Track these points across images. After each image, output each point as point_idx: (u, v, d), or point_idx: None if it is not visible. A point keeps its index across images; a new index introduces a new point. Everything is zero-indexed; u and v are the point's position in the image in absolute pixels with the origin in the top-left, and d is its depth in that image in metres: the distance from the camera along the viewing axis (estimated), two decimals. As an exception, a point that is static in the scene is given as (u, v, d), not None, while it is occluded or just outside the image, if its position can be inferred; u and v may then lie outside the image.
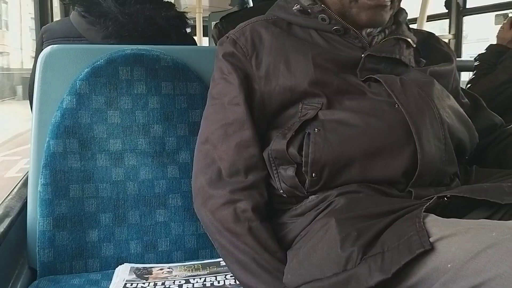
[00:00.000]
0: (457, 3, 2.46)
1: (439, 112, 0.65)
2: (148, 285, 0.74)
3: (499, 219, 0.54)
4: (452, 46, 2.38)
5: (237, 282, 0.68)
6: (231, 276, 0.75)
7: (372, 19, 0.68)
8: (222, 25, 1.67)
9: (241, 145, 0.68)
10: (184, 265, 0.83)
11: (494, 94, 1.43)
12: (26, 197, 0.86)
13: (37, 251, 0.81)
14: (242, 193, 0.66)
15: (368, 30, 0.71)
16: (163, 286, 0.74)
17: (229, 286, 0.73)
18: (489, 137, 0.81)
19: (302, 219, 0.65)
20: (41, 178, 0.82)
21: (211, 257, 0.86)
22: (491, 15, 2.18)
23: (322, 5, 0.70)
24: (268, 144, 0.68)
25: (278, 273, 0.62)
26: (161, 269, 0.81)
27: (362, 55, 0.69)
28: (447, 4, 2.52)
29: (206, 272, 0.79)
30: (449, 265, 0.45)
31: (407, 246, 0.48)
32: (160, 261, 0.86)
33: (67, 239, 0.82)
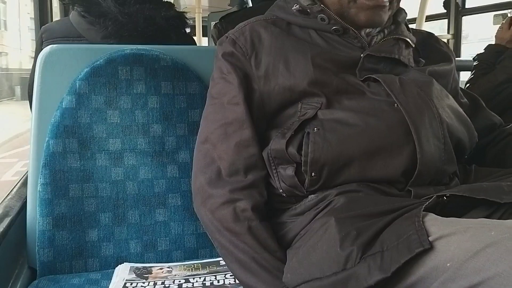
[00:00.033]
0: (456, 3, 2.46)
1: (438, 111, 0.65)
2: (148, 285, 0.74)
3: (498, 218, 0.54)
4: (451, 46, 2.38)
5: (237, 281, 0.68)
6: (230, 276, 0.75)
7: (371, 19, 0.69)
8: (222, 25, 1.67)
9: (241, 145, 0.68)
10: (184, 265, 0.83)
11: (492, 94, 1.44)
12: (26, 196, 0.86)
13: (36, 250, 0.81)
14: (242, 193, 0.66)
15: (367, 30, 0.71)
16: (163, 285, 0.74)
17: (228, 285, 0.73)
18: (488, 136, 0.81)
19: (302, 218, 0.65)
20: (40, 178, 0.82)
21: (211, 257, 0.86)
22: (492, 15, 2.18)
23: (322, 5, 0.71)
24: (267, 143, 0.68)
25: (277, 272, 0.62)
26: (160, 269, 0.81)
27: (361, 55, 0.69)
28: (446, 4, 2.52)
29: (205, 272, 0.79)
30: (448, 264, 0.45)
31: (407, 245, 0.48)
32: (159, 261, 0.86)
33: (66, 239, 0.82)
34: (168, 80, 0.89)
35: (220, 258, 0.80)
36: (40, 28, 1.21)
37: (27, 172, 0.88)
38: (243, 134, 0.68)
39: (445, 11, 2.54)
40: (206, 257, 0.87)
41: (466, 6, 2.49)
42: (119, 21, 0.99)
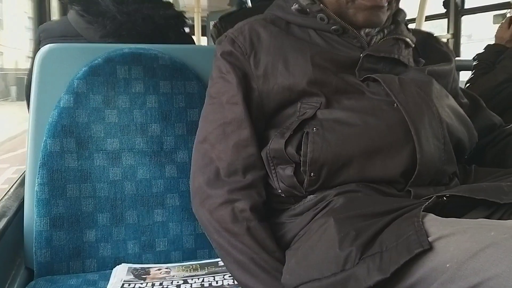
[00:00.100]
0: (456, 3, 2.46)
1: (438, 111, 0.65)
2: (146, 286, 0.74)
3: (498, 219, 0.54)
4: (450, 45, 2.38)
5: (235, 282, 0.68)
6: (229, 276, 0.75)
7: (369, 19, 0.68)
8: (221, 25, 1.67)
9: (239, 145, 0.67)
10: (182, 265, 0.83)
11: (492, 94, 1.43)
12: (23, 196, 0.85)
13: (34, 251, 0.81)
14: (240, 193, 0.65)
15: (367, 30, 0.71)
16: (161, 286, 0.74)
17: (227, 286, 0.73)
18: (488, 137, 0.81)
19: (301, 218, 0.64)
20: (38, 178, 0.81)
21: (209, 257, 0.86)
22: (492, 15, 2.18)
23: (321, 5, 0.70)
24: (266, 143, 0.68)
25: (276, 273, 0.61)
26: (159, 269, 0.81)
27: (361, 55, 0.69)
28: (445, 4, 2.52)
29: (204, 272, 0.79)
30: (447, 265, 0.45)
31: (406, 246, 0.48)
32: (158, 261, 0.86)
33: (64, 239, 0.82)
34: (166, 80, 0.89)
35: (219, 259, 0.79)
36: (38, 27, 1.20)
37: (24, 172, 0.87)
38: (241, 134, 0.68)
39: (445, 10, 2.54)
40: (204, 258, 0.86)
41: (466, 6, 2.49)
42: (118, 20, 0.98)
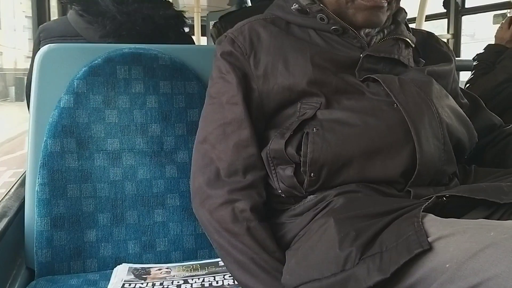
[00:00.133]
0: (456, 3, 2.46)
1: (438, 111, 0.65)
2: (147, 285, 0.74)
3: (498, 219, 0.54)
4: (450, 45, 2.38)
5: (236, 282, 0.68)
6: (229, 276, 0.75)
7: (369, 20, 0.68)
8: (221, 25, 1.67)
9: (240, 145, 0.68)
10: (183, 265, 0.83)
11: (492, 94, 1.43)
12: (24, 197, 0.85)
13: (35, 251, 0.81)
14: (241, 193, 0.65)
15: (367, 30, 0.71)
16: (162, 286, 0.74)
17: (227, 286, 0.73)
18: (488, 137, 0.81)
19: (301, 219, 0.65)
20: (38, 178, 0.81)
21: (210, 257, 0.86)
22: (492, 15, 2.18)
23: (321, 5, 0.70)
24: (266, 143, 0.68)
25: (276, 273, 0.61)
26: (159, 269, 0.81)
27: (361, 55, 0.69)
28: (445, 4, 2.52)
29: (204, 272, 0.79)
30: (447, 265, 0.45)
31: (406, 246, 0.48)
32: (158, 261, 0.86)
33: (65, 239, 0.82)
34: (166, 80, 0.89)
35: (219, 259, 0.79)
36: (38, 27, 1.20)
37: (25, 172, 0.87)
38: (242, 134, 0.68)
39: (445, 10, 2.54)
40: (205, 258, 0.86)
41: (466, 6, 2.48)
42: (118, 20, 0.99)
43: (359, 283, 0.49)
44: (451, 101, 0.71)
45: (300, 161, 0.63)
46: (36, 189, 0.82)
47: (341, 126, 0.64)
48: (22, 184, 0.92)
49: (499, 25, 1.63)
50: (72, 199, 0.83)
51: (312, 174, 0.63)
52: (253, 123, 0.69)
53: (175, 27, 1.07)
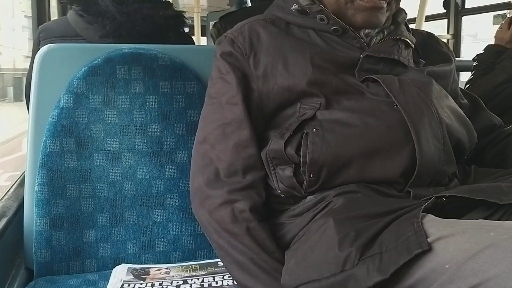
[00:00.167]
0: (456, 3, 2.46)
1: (437, 112, 0.65)
2: (146, 286, 0.74)
3: (498, 219, 0.54)
4: (450, 46, 2.38)
5: (235, 283, 0.68)
6: (229, 277, 0.75)
7: (368, 20, 0.68)
8: (221, 25, 1.67)
9: (239, 145, 0.67)
10: (182, 266, 0.83)
11: (492, 94, 1.43)
12: (23, 197, 0.85)
13: (34, 251, 0.81)
14: (240, 193, 0.65)
15: (367, 30, 0.71)
16: (161, 286, 0.74)
17: (227, 286, 0.73)
18: (487, 137, 0.81)
19: (300, 219, 0.64)
20: (37, 178, 0.81)
21: (209, 258, 0.86)
22: (492, 15, 2.18)
23: (321, 5, 0.70)
24: (266, 144, 0.68)
25: (276, 274, 0.61)
26: (158, 270, 0.81)
27: (361, 56, 0.69)
28: (445, 4, 2.52)
29: (204, 273, 0.79)
30: (447, 266, 0.45)
31: (405, 247, 0.48)
32: (157, 262, 0.86)
33: (64, 239, 0.82)
34: (166, 80, 0.89)
35: (218, 259, 0.79)
36: (38, 27, 1.20)
37: (24, 172, 0.87)
38: (241, 135, 0.68)
39: (445, 11, 2.54)
40: (204, 258, 0.86)
41: (466, 6, 2.49)
42: (118, 20, 0.98)
43: (359, 284, 0.49)
44: (451, 102, 0.71)
45: (300, 161, 0.63)
46: (35, 189, 0.81)
47: (341, 126, 0.64)
48: (21, 184, 0.92)
49: (499, 25, 1.63)
50: (71, 199, 0.82)
51: (311, 175, 0.63)
52: (252, 123, 0.69)
53: (175, 27, 1.07)
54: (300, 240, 0.63)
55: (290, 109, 0.69)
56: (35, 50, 1.08)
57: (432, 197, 0.55)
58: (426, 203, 0.54)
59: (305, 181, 0.63)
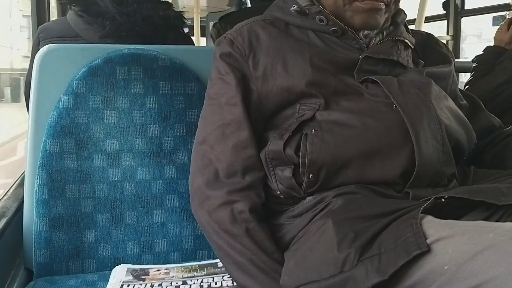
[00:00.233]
0: (455, 4, 2.46)
1: (436, 112, 0.65)
2: (145, 286, 0.74)
3: (497, 220, 0.54)
4: (450, 47, 2.38)
5: (234, 283, 0.68)
6: (228, 277, 0.75)
7: (366, 22, 0.68)
8: (221, 25, 1.67)
9: (239, 146, 0.68)
10: (181, 266, 0.83)
11: (492, 96, 1.43)
12: (23, 197, 0.85)
13: (33, 251, 0.81)
14: (239, 194, 0.65)
15: (366, 31, 0.71)
16: (160, 287, 0.74)
17: (226, 287, 0.73)
18: (487, 138, 0.81)
19: (299, 220, 0.64)
20: (37, 178, 0.81)
21: (209, 258, 0.86)
22: (492, 16, 2.19)
23: (320, 6, 0.70)
24: (265, 144, 0.68)
25: (275, 274, 0.61)
26: (158, 270, 0.81)
27: (360, 57, 0.69)
28: (445, 5, 2.53)
29: (203, 273, 0.79)
30: (446, 267, 0.45)
31: (404, 248, 0.48)
32: (157, 262, 0.86)
33: (63, 240, 0.82)
34: (166, 80, 0.89)
35: (218, 260, 0.79)
36: (38, 27, 1.20)
37: (23, 172, 0.87)
38: (241, 135, 0.68)
39: (444, 12, 2.54)
40: (203, 259, 0.86)
41: (466, 7, 2.49)
42: (117, 21, 0.99)
43: (358, 285, 0.49)
44: (450, 103, 0.71)
45: (299, 162, 0.63)
46: (35, 189, 0.81)
47: (340, 127, 0.64)
48: (21, 184, 0.92)
49: (498, 26, 1.63)
50: (71, 199, 0.82)
51: (310, 175, 0.63)
52: (252, 124, 0.69)
53: (174, 28, 1.07)
54: (299, 241, 0.63)
55: (289, 110, 0.69)
56: (34, 50, 1.08)
57: (431, 198, 0.55)
58: (425, 204, 0.54)
59: (304, 182, 0.64)
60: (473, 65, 1.60)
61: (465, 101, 0.82)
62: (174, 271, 0.81)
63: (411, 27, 0.83)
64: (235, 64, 0.70)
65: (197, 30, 3.83)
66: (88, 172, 0.84)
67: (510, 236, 0.44)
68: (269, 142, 0.67)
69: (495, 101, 1.43)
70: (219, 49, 0.72)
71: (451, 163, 0.66)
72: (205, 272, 0.79)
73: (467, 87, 1.55)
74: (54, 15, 1.85)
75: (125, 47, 0.89)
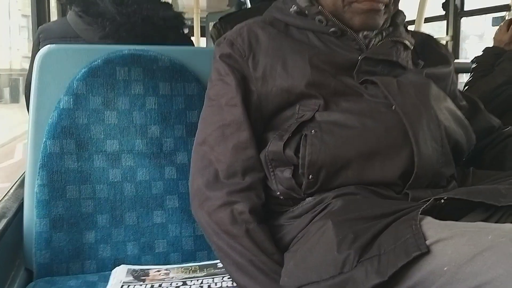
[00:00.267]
0: (455, 5, 2.47)
1: (436, 113, 0.65)
2: (145, 287, 0.74)
3: (496, 222, 0.54)
4: (449, 48, 2.39)
5: (234, 284, 0.68)
6: (228, 278, 0.75)
7: (365, 23, 0.68)
8: (221, 26, 1.67)
9: (238, 147, 0.68)
10: (181, 267, 0.83)
11: (491, 96, 1.43)
12: (23, 198, 0.85)
13: (33, 252, 0.81)
14: (239, 195, 0.66)
15: (365, 32, 0.71)
16: None
17: None
18: (486, 139, 0.81)
19: (299, 221, 0.65)
20: (37, 179, 0.81)
21: (209, 259, 0.86)
22: (491, 17, 2.19)
23: (319, 7, 0.70)
24: (265, 145, 0.68)
25: (275, 275, 0.62)
26: (158, 271, 0.81)
27: (359, 58, 0.69)
28: (445, 6, 2.53)
29: (203, 274, 0.79)
30: (445, 268, 0.45)
31: (404, 249, 0.48)
32: (157, 263, 0.86)
33: (64, 241, 0.82)
34: (166, 81, 0.89)
35: (218, 261, 0.79)
36: (38, 28, 1.20)
37: (24, 173, 0.87)
38: (240, 136, 0.68)
39: (444, 13, 2.55)
40: (203, 260, 0.86)
41: (465, 8, 2.49)
42: (117, 22, 0.99)
43: (357, 286, 0.50)
44: (450, 103, 0.72)
45: (299, 163, 0.63)
46: (35, 190, 0.82)
47: (339, 128, 0.64)
48: (21, 185, 0.92)
49: (497, 27, 1.63)
50: (71, 200, 0.83)
51: (310, 176, 0.63)
52: (252, 125, 0.69)
53: (174, 29, 1.07)
54: (299, 242, 0.63)
55: (289, 110, 0.69)
56: (35, 51, 1.08)
57: (430, 199, 0.55)
58: (425, 205, 0.54)
59: (304, 182, 0.64)
60: (472, 66, 1.60)
61: (464, 102, 0.82)
62: (174, 271, 0.81)
63: (411, 27, 0.83)
64: (235, 65, 0.70)
65: (197, 30, 3.83)
66: (89, 172, 0.84)
67: (509, 238, 0.44)
68: (269, 143, 0.67)
69: (494, 102, 1.43)
70: (219, 50, 0.72)
71: (450, 164, 0.67)
72: (205, 273, 0.79)
73: (466, 88, 1.55)
74: (54, 15, 1.85)
75: (125, 48, 0.89)
